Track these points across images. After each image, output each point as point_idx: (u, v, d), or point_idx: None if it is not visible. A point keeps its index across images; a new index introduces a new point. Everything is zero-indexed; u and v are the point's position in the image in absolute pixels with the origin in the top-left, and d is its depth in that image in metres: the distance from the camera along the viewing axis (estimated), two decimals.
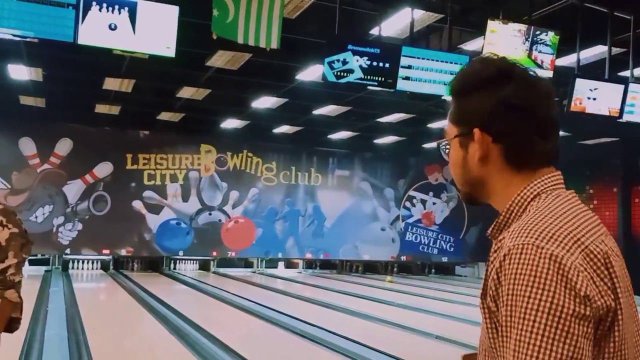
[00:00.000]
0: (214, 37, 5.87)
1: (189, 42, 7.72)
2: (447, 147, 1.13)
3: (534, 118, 1.03)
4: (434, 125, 13.34)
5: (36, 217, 13.91)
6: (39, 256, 13.95)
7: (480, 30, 7.13)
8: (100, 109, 12.52)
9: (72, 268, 14.37)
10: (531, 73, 1.06)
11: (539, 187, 1.02)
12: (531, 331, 0.85)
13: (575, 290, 0.86)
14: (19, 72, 9.79)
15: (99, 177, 14.49)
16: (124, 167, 14.71)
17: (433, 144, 15.89)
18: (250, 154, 15.97)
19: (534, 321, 0.85)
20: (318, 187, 16.70)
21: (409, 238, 17.28)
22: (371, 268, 16.89)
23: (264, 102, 11.61)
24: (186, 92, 10.91)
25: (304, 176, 16.60)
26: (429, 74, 6.85)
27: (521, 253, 0.89)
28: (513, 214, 1.03)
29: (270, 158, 16.22)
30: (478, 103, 1.04)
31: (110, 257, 14.69)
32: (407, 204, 17.39)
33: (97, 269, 14.67)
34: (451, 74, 7.02)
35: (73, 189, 14.24)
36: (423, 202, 17.53)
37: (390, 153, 16.86)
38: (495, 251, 0.98)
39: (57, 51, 8.74)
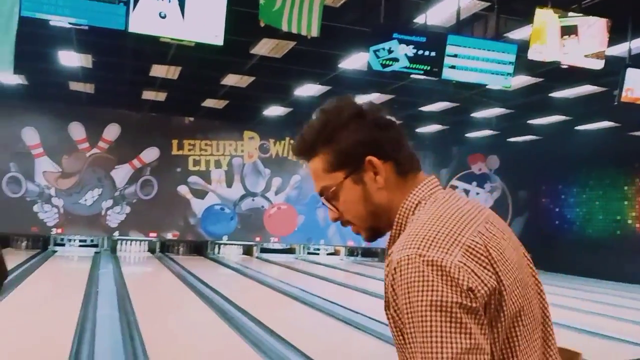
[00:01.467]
0: (262, 24, 5.93)
1: (234, 30, 7.84)
2: (333, 198, 1.16)
3: (402, 133, 1.16)
4: (478, 114, 13.13)
5: (85, 200, 14.40)
6: (88, 241, 14.48)
7: (527, 19, 6.96)
8: (147, 95, 12.81)
9: (121, 250, 14.81)
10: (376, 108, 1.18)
11: (418, 196, 1.11)
12: (430, 331, 0.93)
13: (459, 285, 0.94)
14: (69, 58, 10.08)
15: (146, 162, 14.87)
16: (169, 152, 15.05)
17: (477, 133, 15.67)
18: (292, 141, 15.96)
19: (430, 321, 0.93)
20: None
21: None
22: None
23: (307, 90, 11.65)
24: (230, 80, 11.04)
25: None
26: (475, 63, 6.74)
27: (407, 264, 0.97)
28: (401, 226, 1.11)
29: None
30: (354, 137, 1.12)
31: (157, 240, 15.10)
32: None
33: (144, 251, 15.09)
34: (498, 62, 6.89)
35: (121, 173, 14.67)
36: (466, 192, 17.29)
37: (432, 142, 16.68)
38: (387, 265, 1.04)
39: (106, 38, 8.97)
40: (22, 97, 13.16)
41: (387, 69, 6.19)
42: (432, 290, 0.94)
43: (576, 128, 13.75)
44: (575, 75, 9.00)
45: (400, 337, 1.02)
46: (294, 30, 6.09)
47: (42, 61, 10.37)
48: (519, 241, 1.16)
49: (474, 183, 17.30)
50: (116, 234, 14.68)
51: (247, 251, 15.96)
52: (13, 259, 11.85)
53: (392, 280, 1.00)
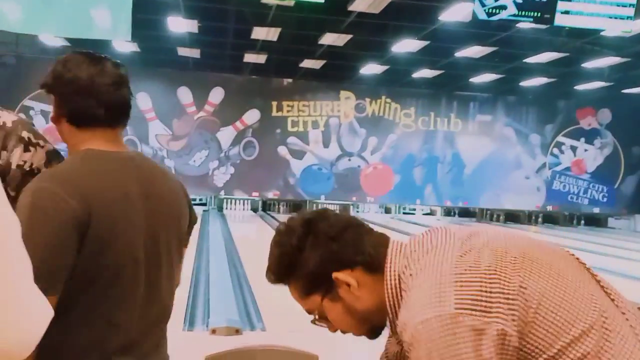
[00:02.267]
0: None
1: None
2: (322, 318, 1.16)
3: (354, 226, 1.15)
4: (589, 64, 12.35)
5: (194, 161, 15.20)
6: (197, 199, 15.33)
7: None
8: (249, 58, 13.17)
9: (226, 208, 15.57)
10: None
11: (395, 272, 1.09)
12: None
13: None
14: (178, 24, 10.55)
15: (248, 124, 15.41)
16: (269, 114, 15.47)
17: (587, 86, 14.77)
18: (388, 100, 15.96)
19: None
20: (458, 133, 16.34)
21: (556, 187, 16.43)
22: (513, 217, 16.37)
23: (405, 46, 11.48)
24: (328, 39, 11.10)
25: (443, 122, 16.30)
26: (591, 7, 6.34)
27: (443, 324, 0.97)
28: (395, 309, 1.08)
29: (408, 104, 16.10)
30: (313, 259, 1.11)
31: (259, 199, 15.71)
32: (555, 150, 16.45)
33: (247, 209, 15.78)
34: (617, 5, 6.44)
35: (225, 135, 15.31)
36: (573, 148, 16.47)
37: (537, 96, 15.94)
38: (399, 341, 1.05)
39: (210, 2, 9.31)
40: (136, 63, 13.98)
41: (494, 18, 5.99)
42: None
43: None
44: None
45: None
46: None
47: (153, 28, 10.94)
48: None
49: (582, 139, 16.41)
50: (222, 193, 15.43)
51: (344, 210, 16.21)
52: None
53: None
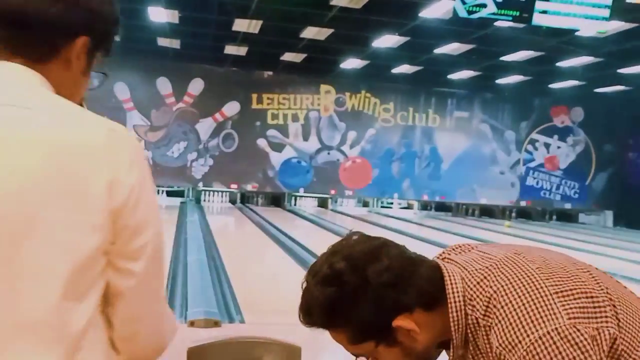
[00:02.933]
0: None
1: None
2: None
3: (408, 268, 1.06)
4: (564, 63, 12.60)
5: (172, 152, 15.12)
6: (175, 188, 15.25)
7: None
8: (229, 49, 13.12)
9: (204, 200, 15.52)
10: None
11: (459, 296, 1.03)
12: None
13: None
14: (158, 14, 10.47)
15: (228, 116, 15.36)
16: (249, 106, 15.45)
17: (561, 84, 15.07)
18: (368, 95, 16.07)
19: None
20: (436, 128, 16.53)
21: (529, 183, 16.75)
22: (488, 212, 16.66)
23: (385, 41, 11.58)
24: (310, 32, 11.13)
25: (421, 117, 16.48)
26: (568, 7, 6.50)
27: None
28: (462, 330, 1.04)
29: (388, 99, 16.23)
30: (369, 310, 1.02)
31: (238, 191, 15.71)
32: (529, 147, 16.76)
33: (225, 202, 15.75)
34: (593, 6, 6.61)
35: (204, 127, 15.24)
36: (547, 145, 16.79)
37: (513, 94, 16.20)
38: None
39: None
40: (115, 53, 13.78)
41: (474, 16, 6.10)
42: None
43: None
44: None
45: None
46: None
47: (133, 17, 10.82)
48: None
49: (556, 136, 16.74)
50: (200, 185, 15.38)
51: (322, 203, 16.31)
52: None
53: None
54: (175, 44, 12.95)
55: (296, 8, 9.74)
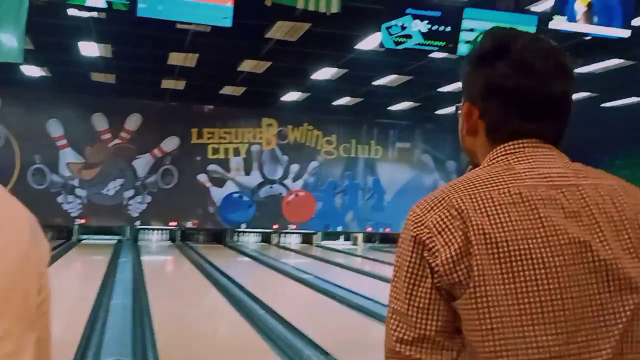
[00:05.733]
0: (268, 3, 5.89)
1: (248, 14, 7.85)
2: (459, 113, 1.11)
3: (516, 99, 0.99)
4: None
5: (108, 190, 14.60)
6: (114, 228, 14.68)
7: None
8: (167, 84, 12.90)
9: (142, 239, 14.99)
10: (532, 49, 0.99)
11: (490, 159, 1.01)
12: (394, 276, 0.97)
13: (419, 241, 0.93)
14: (90, 48, 10.18)
15: (167, 151, 15.02)
16: (189, 141, 15.16)
17: None
18: (310, 127, 16.07)
19: (396, 268, 0.97)
20: (378, 160, 16.65)
21: None
22: None
23: (324, 74, 11.63)
24: (247, 65, 11.06)
25: (364, 149, 16.57)
26: None
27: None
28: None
29: (330, 131, 16.27)
30: (472, 79, 1.04)
31: (178, 228, 15.26)
32: None
33: (165, 240, 15.26)
34: None
35: (142, 163, 14.83)
36: None
37: (452, 124, 16.38)
38: None
39: (123, 26, 9.05)
40: (47, 89, 13.35)
41: (401, 46, 6.15)
42: (402, 243, 0.97)
43: (602, 105, 13.49)
44: (601, 48, 8.79)
45: None
46: (312, 8, 6.05)
47: (63, 52, 10.51)
48: None
49: None
50: (137, 223, 14.87)
51: (266, 239, 16.03)
52: None
53: None
54: (110, 78, 12.63)
55: (231, 41, 9.67)
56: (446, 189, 0.96)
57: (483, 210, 0.91)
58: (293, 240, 16.12)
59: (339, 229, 16.43)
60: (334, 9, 5.87)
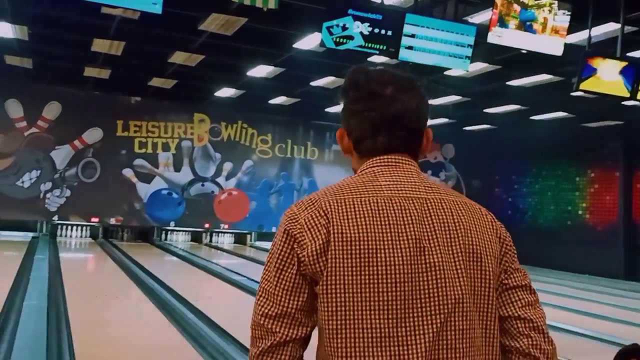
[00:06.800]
0: None
1: (181, 4, 7.34)
2: None
3: (368, 118, 1.19)
4: (434, 101, 12.95)
5: (22, 182, 13.59)
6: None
7: (487, 2, 6.73)
8: (90, 72, 12.07)
9: (61, 235, 14.08)
10: (377, 79, 1.21)
11: (361, 170, 1.22)
12: (267, 261, 1.16)
13: (291, 234, 1.12)
14: (3, 29, 9.33)
15: (89, 143, 14.14)
16: (114, 133, 14.36)
17: (433, 121, 15.54)
18: (245, 125, 15.60)
19: (270, 254, 1.16)
20: (314, 161, 16.38)
21: None
22: None
23: (260, 71, 11.20)
24: (179, 57, 10.48)
25: (300, 150, 16.26)
26: (433, 44, 6.46)
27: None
28: None
29: (265, 130, 15.86)
30: (341, 109, 1.26)
31: (100, 225, 14.40)
32: None
33: (86, 237, 14.39)
34: (456, 45, 6.63)
35: (61, 155, 13.90)
36: None
37: None
38: None
39: (42, 7, 8.33)
40: None
41: (341, 47, 5.84)
42: (276, 235, 1.17)
43: (532, 118, 13.78)
44: (534, 63, 8.88)
45: None
46: (247, 2, 5.64)
47: None
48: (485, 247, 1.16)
49: (429, 172, 17.21)
50: (55, 218, 13.90)
51: (196, 238, 15.45)
52: None
53: None
54: (26, 63, 11.69)
55: (161, 31, 9.08)
56: (321, 192, 1.16)
57: (344, 213, 1.11)
58: (226, 240, 15.62)
59: (274, 229, 16.02)
60: (271, 4, 5.48)
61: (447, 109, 13.68)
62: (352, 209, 1.10)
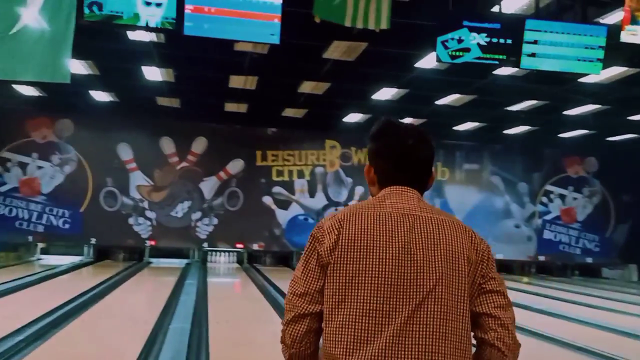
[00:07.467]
0: (317, 20, 5.78)
1: (303, 34, 7.80)
2: None
3: (392, 161, 1.56)
4: (571, 112, 12.25)
5: (177, 212, 14.91)
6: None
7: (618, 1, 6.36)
8: (229, 107, 13.10)
9: (210, 261, 15.11)
10: (401, 133, 1.57)
11: (377, 196, 1.56)
12: (301, 257, 1.55)
13: (316, 237, 1.51)
14: (153, 73, 10.49)
15: (232, 174, 15.20)
16: (254, 163, 15.28)
17: (570, 134, 14.66)
18: None
19: (303, 252, 1.55)
20: (445, 181, 16.12)
21: (547, 236, 16.08)
22: (506, 268, 15.87)
23: (384, 94, 11.42)
24: (307, 87, 11.04)
25: None
26: (559, 49, 6.22)
27: None
28: None
29: None
30: (369, 149, 1.61)
31: (244, 251, 15.33)
32: (544, 199, 16.19)
33: (232, 262, 15.32)
34: (585, 47, 6.32)
35: (208, 186, 15.06)
36: (562, 197, 16.22)
37: (522, 144, 15.81)
38: None
39: (183, 50, 9.25)
40: (116, 114, 13.90)
41: (458, 60, 5.86)
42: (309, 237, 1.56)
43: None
44: None
45: None
46: (359, 25, 5.90)
47: (128, 77, 10.89)
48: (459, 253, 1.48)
49: (571, 188, 16.19)
50: (205, 245, 15.06)
51: None
52: (110, 270, 12.42)
53: None
54: (175, 102, 12.99)
55: (289, 62, 9.68)
56: (344, 208, 1.54)
57: (353, 221, 1.49)
58: None
59: None
60: (384, 25, 5.68)
61: (586, 119, 12.85)
62: (359, 219, 1.47)
